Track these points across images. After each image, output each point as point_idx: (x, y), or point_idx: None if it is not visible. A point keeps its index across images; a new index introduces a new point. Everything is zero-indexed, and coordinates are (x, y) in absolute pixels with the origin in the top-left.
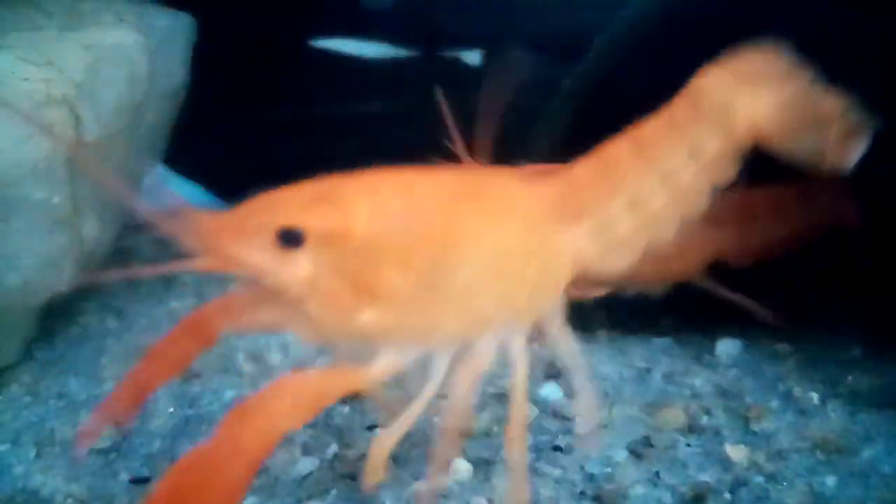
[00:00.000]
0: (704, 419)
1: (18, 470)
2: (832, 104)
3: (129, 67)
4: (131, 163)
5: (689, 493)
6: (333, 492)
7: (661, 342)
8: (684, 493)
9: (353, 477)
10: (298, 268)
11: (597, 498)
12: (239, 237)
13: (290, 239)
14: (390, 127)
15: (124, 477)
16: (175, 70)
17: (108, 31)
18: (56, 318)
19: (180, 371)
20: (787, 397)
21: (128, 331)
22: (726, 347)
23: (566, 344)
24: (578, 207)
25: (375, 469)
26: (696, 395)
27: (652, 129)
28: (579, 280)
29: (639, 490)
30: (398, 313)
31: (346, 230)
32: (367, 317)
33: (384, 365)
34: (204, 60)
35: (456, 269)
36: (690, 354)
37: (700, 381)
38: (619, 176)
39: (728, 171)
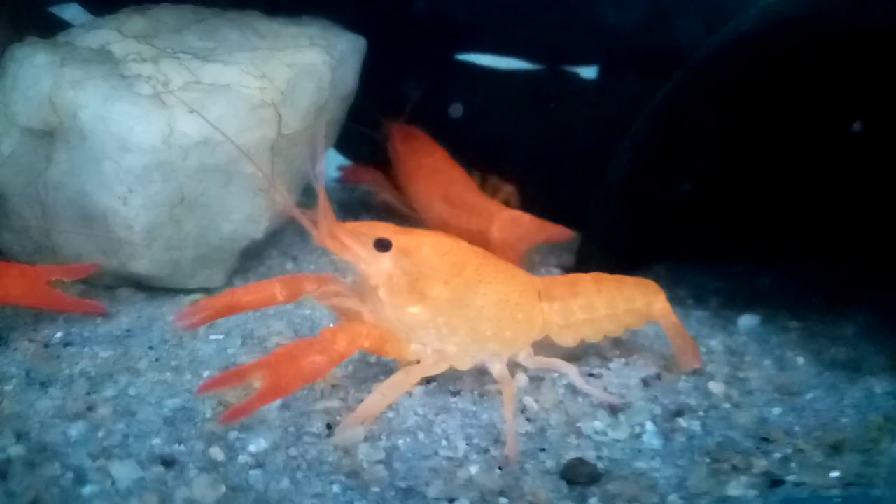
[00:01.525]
0: (707, 367)
1: (231, 351)
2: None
3: (317, 80)
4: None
5: (674, 408)
6: None
7: (699, 314)
8: (670, 408)
9: None
10: (382, 264)
11: (610, 409)
12: (355, 235)
13: (383, 245)
14: (518, 128)
15: None
16: (349, 79)
17: (304, 52)
18: (251, 258)
19: (260, 307)
20: (779, 359)
21: (300, 272)
22: (746, 321)
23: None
24: (554, 295)
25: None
26: (709, 351)
27: (607, 277)
28: None
29: (640, 403)
30: (434, 313)
31: (415, 250)
32: (415, 309)
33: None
34: (373, 71)
35: (475, 298)
36: (718, 323)
37: (716, 342)
38: (580, 288)
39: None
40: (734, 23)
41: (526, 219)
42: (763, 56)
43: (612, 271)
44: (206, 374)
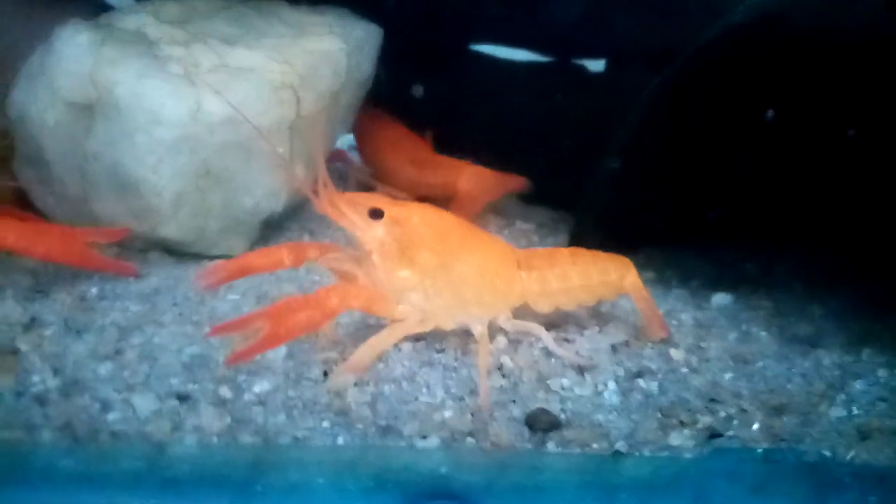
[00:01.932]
0: (674, 338)
1: (246, 309)
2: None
3: (334, 65)
4: (330, 130)
5: (635, 370)
6: None
7: (679, 292)
8: (632, 370)
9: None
10: (375, 231)
11: (578, 369)
12: (352, 204)
13: (376, 214)
14: (525, 116)
15: None
16: (365, 66)
17: (323, 39)
18: (272, 230)
19: (269, 270)
20: (744, 333)
21: None
22: (719, 298)
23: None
24: (532, 265)
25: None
26: (679, 324)
27: (583, 251)
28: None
29: (606, 366)
30: (421, 277)
31: (405, 220)
32: (404, 273)
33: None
34: (388, 58)
35: (458, 264)
36: (694, 301)
37: (687, 315)
38: (558, 260)
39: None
40: (721, 20)
41: (488, 173)
42: (747, 49)
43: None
44: None
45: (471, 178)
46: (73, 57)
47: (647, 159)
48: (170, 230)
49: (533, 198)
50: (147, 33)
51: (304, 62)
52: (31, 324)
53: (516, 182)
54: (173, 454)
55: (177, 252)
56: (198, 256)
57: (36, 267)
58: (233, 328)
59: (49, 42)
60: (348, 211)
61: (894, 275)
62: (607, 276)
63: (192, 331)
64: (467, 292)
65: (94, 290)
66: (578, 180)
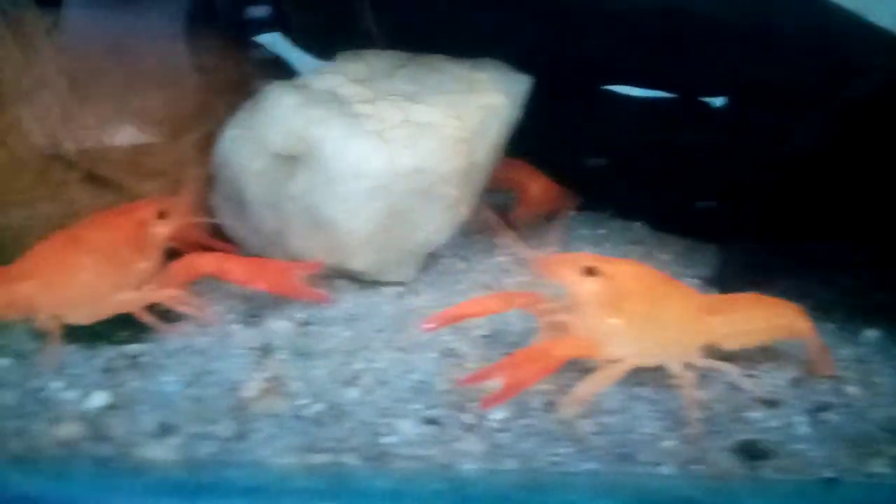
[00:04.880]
0: (839, 373)
1: (443, 337)
2: None
3: (500, 119)
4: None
5: (818, 403)
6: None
7: (826, 325)
8: (816, 403)
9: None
10: (590, 286)
11: (766, 402)
12: (567, 263)
13: (591, 272)
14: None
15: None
16: (518, 113)
17: (490, 96)
18: (433, 258)
19: (484, 315)
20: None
21: (471, 271)
22: (870, 333)
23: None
24: (716, 309)
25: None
26: (840, 360)
27: (764, 298)
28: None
29: (790, 399)
30: (627, 324)
31: (615, 275)
32: (613, 321)
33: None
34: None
35: (660, 312)
36: (844, 336)
37: (846, 352)
38: (740, 305)
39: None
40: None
41: (555, 186)
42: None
43: (747, 284)
44: (430, 355)
45: (542, 185)
46: (282, 116)
47: (791, 200)
48: (357, 263)
49: (666, 228)
50: (341, 93)
51: (475, 118)
52: (267, 349)
53: (571, 200)
54: (456, 476)
55: (358, 280)
56: (375, 283)
57: (244, 293)
58: (478, 380)
59: (257, 100)
60: (563, 271)
61: None
62: (782, 319)
63: (403, 356)
64: (667, 335)
65: (300, 316)
66: (708, 211)
